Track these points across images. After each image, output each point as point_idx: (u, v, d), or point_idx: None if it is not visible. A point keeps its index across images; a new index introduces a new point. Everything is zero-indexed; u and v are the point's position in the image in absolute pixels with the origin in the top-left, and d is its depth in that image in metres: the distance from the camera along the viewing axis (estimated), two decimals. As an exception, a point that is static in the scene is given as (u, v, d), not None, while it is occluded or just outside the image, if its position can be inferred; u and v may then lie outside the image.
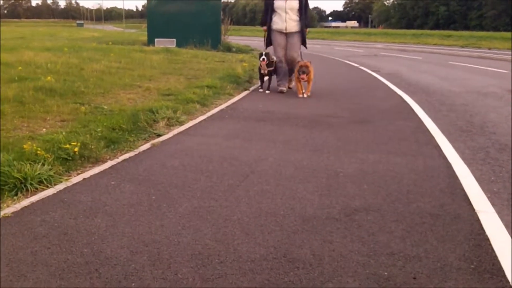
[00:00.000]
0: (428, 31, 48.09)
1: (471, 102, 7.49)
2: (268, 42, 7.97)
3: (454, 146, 4.52)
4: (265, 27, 7.99)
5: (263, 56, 7.69)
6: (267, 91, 7.88)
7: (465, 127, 5.59)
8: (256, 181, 3.41)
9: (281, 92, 7.84)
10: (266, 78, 8.13)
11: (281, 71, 7.96)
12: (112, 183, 3.34)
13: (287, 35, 7.79)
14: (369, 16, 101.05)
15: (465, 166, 3.91)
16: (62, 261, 2.29)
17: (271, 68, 7.85)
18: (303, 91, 7.54)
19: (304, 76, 7.34)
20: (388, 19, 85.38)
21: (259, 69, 8.01)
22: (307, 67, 7.31)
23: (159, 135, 4.69)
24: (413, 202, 3.06)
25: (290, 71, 8.06)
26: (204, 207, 2.95)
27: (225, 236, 2.55)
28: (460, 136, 5.11)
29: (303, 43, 7.94)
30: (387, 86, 9.35)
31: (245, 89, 8.18)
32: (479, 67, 14.61)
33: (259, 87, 8.15)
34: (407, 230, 2.64)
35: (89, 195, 3.12)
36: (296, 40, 7.80)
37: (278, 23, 7.76)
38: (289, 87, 8.22)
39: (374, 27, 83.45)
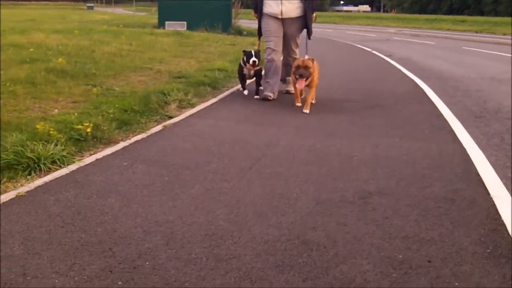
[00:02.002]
0: (442, 16, 47.37)
1: (485, 88, 7.38)
2: (261, 32, 6.01)
3: (468, 132, 4.46)
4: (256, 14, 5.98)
5: (253, 58, 5.61)
6: (255, 97, 5.85)
7: (480, 113, 5.51)
8: (268, 164, 3.39)
9: (266, 99, 5.68)
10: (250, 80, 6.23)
11: (270, 68, 5.80)
12: (125, 164, 3.34)
13: (283, 21, 5.76)
14: (381, 0, 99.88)
15: (480, 151, 3.85)
16: (76, 239, 2.29)
17: (258, 68, 5.79)
18: (302, 96, 5.56)
19: (302, 81, 5.05)
20: (401, 4, 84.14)
21: (240, 69, 5.91)
22: (306, 67, 4.98)
23: (170, 117, 4.68)
24: (427, 187, 3.02)
25: (288, 69, 5.94)
26: (216, 188, 2.94)
27: (238, 218, 2.54)
28: (474, 121, 5.05)
29: (308, 33, 5.92)
30: (400, 71, 9.24)
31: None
32: (494, 52, 14.40)
33: (241, 89, 6.16)
34: (422, 214, 2.62)
35: (102, 175, 3.12)
36: (296, 28, 5.85)
37: (271, 5, 5.74)
38: (287, 92, 6.18)
39: (387, 11, 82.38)
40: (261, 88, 5.93)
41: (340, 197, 2.84)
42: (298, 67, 5.00)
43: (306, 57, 5.22)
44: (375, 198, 2.82)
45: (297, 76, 4.99)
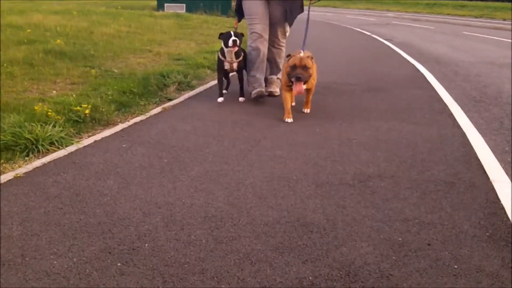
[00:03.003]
0: (442, 1, 47.00)
1: (485, 73, 7.34)
2: (240, 13, 4.89)
3: (468, 116, 4.45)
4: None
5: (233, 38, 4.44)
6: (240, 99, 4.76)
7: (479, 97, 5.48)
8: (268, 147, 3.38)
9: (260, 95, 4.71)
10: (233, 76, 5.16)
11: (256, 58, 4.74)
12: (124, 145, 3.32)
13: (269, 1, 4.73)
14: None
15: (480, 135, 3.84)
16: (75, 221, 2.29)
17: (240, 59, 4.64)
18: (294, 104, 4.50)
19: (300, 85, 3.96)
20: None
21: (219, 63, 4.65)
22: (305, 67, 3.93)
23: (170, 100, 4.66)
24: (427, 170, 3.02)
25: (272, 66, 5.01)
26: (216, 170, 2.93)
27: (238, 200, 2.54)
28: (474, 106, 5.02)
29: (287, 19, 4.85)
30: (400, 55, 9.19)
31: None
32: (493, 37, 14.31)
33: (219, 96, 4.73)
34: (422, 197, 2.61)
35: (101, 157, 3.11)
36: (283, 12, 4.77)
37: None
38: (269, 93, 4.85)
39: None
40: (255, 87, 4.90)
41: (340, 180, 2.83)
42: (294, 67, 3.90)
43: (302, 53, 4.04)
44: (375, 181, 2.82)
45: (293, 78, 3.91)
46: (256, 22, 4.72)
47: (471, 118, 4.37)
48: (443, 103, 4.95)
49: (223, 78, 4.82)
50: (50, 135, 3.25)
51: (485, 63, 8.39)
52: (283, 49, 5.01)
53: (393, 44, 11.19)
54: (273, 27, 4.87)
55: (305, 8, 4.83)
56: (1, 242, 2.09)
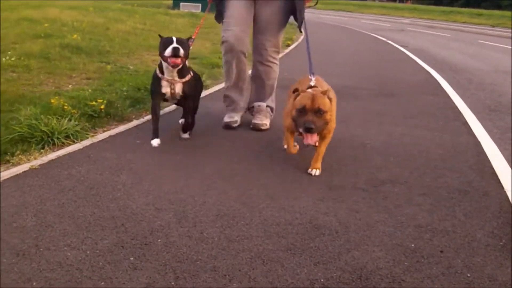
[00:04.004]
0: (458, 9, 46.74)
1: (500, 82, 7.29)
2: (219, 15, 3.66)
3: (482, 124, 4.42)
4: None
5: (174, 45, 3.03)
6: (184, 136, 3.47)
7: (494, 106, 5.45)
8: (280, 147, 3.38)
9: (227, 126, 3.76)
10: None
11: (227, 71, 3.75)
12: (138, 142, 3.34)
13: (256, 1, 3.60)
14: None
15: (494, 144, 3.81)
16: (89, 214, 2.30)
17: (187, 79, 3.25)
18: (297, 147, 3.15)
19: (313, 137, 2.73)
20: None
21: (155, 83, 3.28)
22: (319, 111, 2.69)
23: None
24: (440, 177, 3.00)
25: (259, 89, 3.88)
26: (228, 169, 2.94)
27: (250, 199, 2.54)
28: (488, 114, 4.99)
29: (297, 21, 3.52)
30: (414, 61, 9.16)
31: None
32: (509, 47, 14.20)
33: (152, 138, 3.32)
34: (435, 204, 2.60)
35: (115, 152, 3.13)
36: (274, 12, 3.57)
37: None
38: (254, 127, 3.80)
39: (402, 1, 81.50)
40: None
41: (353, 184, 2.82)
42: (303, 110, 2.67)
43: (313, 81, 2.99)
44: (388, 186, 2.81)
45: (301, 129, 2.70)
46: (229, 28, 3.51)
47: (485, 127, 4.34)
48: (458, 111, 4.92)
49: (157, 108, 3.31)
50: (65, 128, 3.27)
51: (500, 72, 8.34)
52: (275, 67, 3.78)
53: (408, 50, 11.15)
54: (260, 34, 3.64)
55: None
56: (17, 233, 2.11)
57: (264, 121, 3.81)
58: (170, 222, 2.26)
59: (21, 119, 3.30)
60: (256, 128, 3.77)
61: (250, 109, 3.95)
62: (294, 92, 2.82)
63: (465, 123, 4.41)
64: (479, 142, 3.82)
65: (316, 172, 2.92)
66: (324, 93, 2.74)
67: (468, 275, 1.95)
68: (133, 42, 7.68)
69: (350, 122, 4.18)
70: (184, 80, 3.20)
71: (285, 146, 3.20)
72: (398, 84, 6.36)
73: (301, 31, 3.56)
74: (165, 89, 3.19)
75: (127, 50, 6.96)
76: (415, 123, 4.26)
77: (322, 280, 1.87)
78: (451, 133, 4.02)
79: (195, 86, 3.40)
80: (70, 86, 4.63)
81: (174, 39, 3.07)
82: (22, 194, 2.46)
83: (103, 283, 1.80)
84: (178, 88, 3.20)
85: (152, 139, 3.28)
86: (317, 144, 2.85)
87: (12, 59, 5.36)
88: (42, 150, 3.06)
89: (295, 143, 3.11)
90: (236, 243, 2.10)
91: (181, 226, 2.22)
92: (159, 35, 3.24)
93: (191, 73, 3.30)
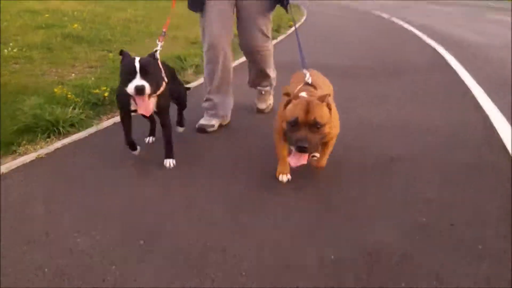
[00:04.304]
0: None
1: (507, 57, 7.18)
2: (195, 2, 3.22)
3: (491, 99, 4.36)
4: None
5: (137, 83, 2.33)
6: (166, 162, 2.74)
7: (502, 82, 5.37)
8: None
9: (202, 130, 3.32)
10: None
11: (213, 72, 3.30)
12: (143, 128, 3.32)
13: None
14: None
15: (504, 119, 3.76)
16: (97, 201, 2.30)
17: (162, 91, 2.57)
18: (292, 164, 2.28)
19: (300, 158, 2.21)
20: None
21: (121, 99, 2.62)
22: (315, 124, 2.14)
23: (188, 82, 4.64)
24: (449, 153, 2.97)
25: (260, 76, 3.68)
26: (235, 156, 2.92)
27: (259, 182, 2.52)
28: (496, 90, 4.92)
29: (285, 6, 3.15)
30: (420, 38, 9.05)
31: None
32: (516, 21, 13.99)
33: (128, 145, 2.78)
34: (444, 180, 2.58)
35: (121, 139, 3.10)
36: (258, 5, 3.21)
37: None
38: (259, 111, 3.79)
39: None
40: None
41: (361, 162, 2.80)
42: (296, 123, 2.16)
43: (308, 76, 2.54)
44: (397, 163, 2.78)
45: (293, 147, 2.20)
46: (210, 23, 3.18)
47: (494, 102, 4.29)
48: (466, 86, 4.86)
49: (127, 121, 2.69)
50: (70, 117, 3.27)
51: (508, 47, 8.22)
52: (270, 52, 3.49)
53: (413, 27, 11.01)
54: (249, 25, 3.28)
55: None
56: (26, 221, 2.11)
57: (268, 102, 3.84)
58: (179, 207, 2.25)
59: (25, 109, 3.29)
60: (261, 111, 3.79)
61: (253, 86, 3.84)
62: (285, 95, 2.30)
63: (474, 99, 4.36)
64: (487, 117, 3.78)
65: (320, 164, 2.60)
66: (322, 99, 2.19)
67: (480, 247, 1.94)
68: (135, 30, 7.63)
69: (355, 101, 4.14)
70: (158, 92, 2.52)
71: (280, 178, 2.52)
72: (405, 61, 6.29)
73: (286, 10, 3.14)
74: (141, 106, 2.42)
75: (128, 38, 6.92)
76: (423, 100, 4.22)
77: (332, 257, 1.86)
78: (459, 109, 3.97)
79: (177, 98, 3.01)
80: (73, 75, 4.61)
81: (137, 65, 2.32)
82: (29, 183, 2.46)
83: (114, 267, 1.80)
84: (152, 105, 2.50)
85: (131, 149, 2.77)
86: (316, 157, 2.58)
87: (14, 50, 5.34)
88: (47, 139, 3.05)
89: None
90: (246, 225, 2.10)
91: (189, 211, 2.21)
92: (120, 52, 2.51)
93: (165, 78, 2.62)
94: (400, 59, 6.48)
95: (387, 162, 2.80)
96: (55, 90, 3.67)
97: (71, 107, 3.37)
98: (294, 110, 2.16)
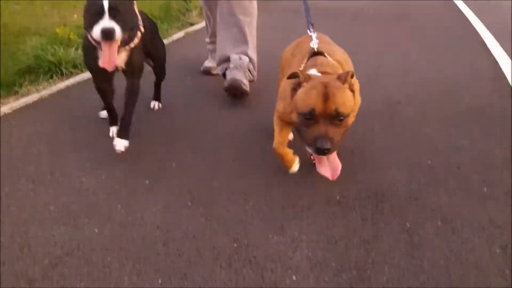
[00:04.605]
0: None
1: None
2: None
3: (501, 46, 4.26)
4: None
5: (106, 26, 1.87)
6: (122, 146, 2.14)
7: (513, 27, 5.24)
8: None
9: (207, 72, 3.31)
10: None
11: (205, 17, 3.29)
12: (148, 69, 3.27)
13: None
14: None
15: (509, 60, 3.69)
16: (102, 142, 2.30)
17: (136, 44, 2.12)
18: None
19: (329, 165, 1.68)
20: None
21: (87, 56, 2.13)
22: (338, 115, 1.56)
23: (192, 24, 4.55)
24: (458, 97, 2.92)
25: (238, 39, 2.92)
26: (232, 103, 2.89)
27: (259, 122, 2.51)
28: (507, 36, 4.80)
29: None
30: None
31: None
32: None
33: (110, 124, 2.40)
34: (452, 124, 2.55)
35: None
36: None
37: None
38: (230, 86, 2.76)
39: None
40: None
41: (368, 104, 2.75)
42: (312, 116, 1.58)
43: (315, 40, 1.98)
44: (404, 107, 2.75)
45: (311, 149, 1.61)
46: None
47: (505, 49, 4.19)
48: (476, 32, 4.74)
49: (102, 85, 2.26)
50: (73, 57, 3.22)
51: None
52: (254, 16, 2.97)
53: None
54: None
55: None
56: (31, 161, 2.11)
57: (243, 80, 2.79)
58: (185, 146, 2.25)
59: (27, 50, 3.24)
60: (233, 87, 2.75)
61: (221, 63, 2.97)
62: (291, 77, 1.68)
63: (484, 44, 4.26)
64: (497, 63, 3.70)
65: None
66: (344, 79, 1.62)
67: (485, 189, 1.93)
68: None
69: (363, 44, 4.05)
70: (131, 45, 2.08)
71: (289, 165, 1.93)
72: (414, 6, 6.12)
73: None
74: (103, 55, 1.96)
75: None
76: (431, 46, 4.12)
77: (337, 197, 1.86)
78: (469, 55, 3.88)
79: (153, 47, 2.43)
80: (75, 16, 4.51)
81: (106, 2, 1.88)
82: (33, 123, 2.45)
83: (119, 205, 1.81)
84: (121, 59, 2.08)
85: (110, 126, 2.37)
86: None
87: (14, -9, 5.22)
88: (50, 80, 3.02)
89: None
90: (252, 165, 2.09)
91: (194, 152, 2.21)
92: None
93: (141, 28, 2.17)
94: (410, 3, 6.31)
95: (394, 106, 2.76)
96: (57, 30, 3.59)
97: (74, 48, 3.31)
98: (307, 98, 1.58)
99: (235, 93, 2.75)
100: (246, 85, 2.77)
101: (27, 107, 2.65)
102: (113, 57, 1.93)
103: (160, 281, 1.45)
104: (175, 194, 1.88)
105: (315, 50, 1.91)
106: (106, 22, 1.87)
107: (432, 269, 1.50)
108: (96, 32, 1.88)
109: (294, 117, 1.65)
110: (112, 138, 2.22)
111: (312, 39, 1.96)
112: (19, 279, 1.45)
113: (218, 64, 2.97)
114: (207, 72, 3.28)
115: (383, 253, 1.57)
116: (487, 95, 2.97)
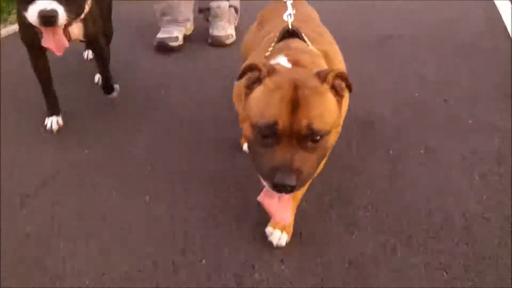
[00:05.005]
0: None
1: None
2: None
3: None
4: None
5: (43, 7, 1.43)
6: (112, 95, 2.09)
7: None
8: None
9: (161, 46, 2.59)
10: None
11: None
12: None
13: None
14: None
15: (509, 4, 3.64)
16: (91, 73, 2.29)
17: (86, 20, 1.74)
18: None
19: (289, 205, 1.13)
20: None
21: (24, 30, 1.70)
22: (313, 133, 1.00)
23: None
24: (449, 35, 2.91)
25: None
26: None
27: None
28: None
29: None
30: None
31: None
32: None
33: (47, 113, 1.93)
34: (441, 59, 2.56)
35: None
36: None
37: None
38: (213, 41, 2.68)
39: None
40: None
41: (359, 38, 2.76)
42: (272, 133, 1.01)
43: (290, 7, 1.39)
44: (396, 41, 2.75)
45: (267, 183, 1.02)
46: None
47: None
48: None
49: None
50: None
51: None
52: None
53: None
54: None
55: None
56: (23, 83, 2.12)
57: (228, 30, 2.68)
58: (175, 81, 2.26)
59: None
60: (217, 43, 2.66)
61: (203, 12, 2.81)
62: (246, 71, 1.10)
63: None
64: (494, 5, 3.64)
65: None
66: (324, 76, 1.07)
67: (470, 121, 1.98)
68: None
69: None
70: (82, 16, 1.69)
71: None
72: None
73: None
74: (48, 39, 1.55)
75: None
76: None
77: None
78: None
79: (102, 12, 1.96)
80: None
81: None
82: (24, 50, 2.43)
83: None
84: (77, 31, 1.73)
85: (48, 116, 1.91)
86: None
87: None
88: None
89: None
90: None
91: (182, 93, 2.21)
92: None
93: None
94: None
95: (386, 39, 2.76)
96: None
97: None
98: (267, 105, 1.03)
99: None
100: (231, 36, 2.65)
101: (16, 34, 2.60)
102: (61, 42, 1.54)
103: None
104: (165, 122, 1.91)
105: (289, 27, 1.30)
106: (44, 2, 1.43)
107: (412, 195, 1.56)
108: (32, 14, 1.44)
109: (247, 130, 1.08)
110: (46, 130, 1.86)
111: (286, 8, 1.33)
112: (13, 195, 1.51)
113: (200, 12, 2.80)
114: (163, 46, 2.57)
115: (366, 179, 1.62)
116: (480, 34, 2.96)
